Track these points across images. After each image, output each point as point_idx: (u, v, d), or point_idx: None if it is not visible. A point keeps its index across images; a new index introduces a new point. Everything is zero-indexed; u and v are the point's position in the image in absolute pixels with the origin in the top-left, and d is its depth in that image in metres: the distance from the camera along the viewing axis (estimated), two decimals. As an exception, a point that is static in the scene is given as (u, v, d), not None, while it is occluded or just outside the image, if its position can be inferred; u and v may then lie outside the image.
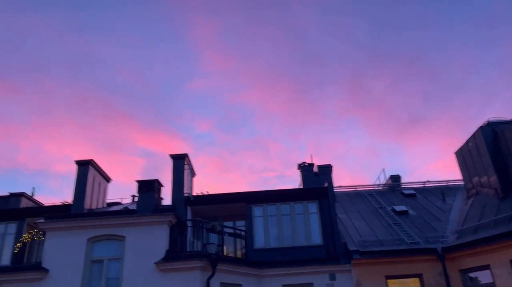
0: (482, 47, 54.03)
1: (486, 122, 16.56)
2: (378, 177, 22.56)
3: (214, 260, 12.51)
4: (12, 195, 17.56)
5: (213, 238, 14.47)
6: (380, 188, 21.02)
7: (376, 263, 13.57)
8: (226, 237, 14.88)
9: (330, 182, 15.73)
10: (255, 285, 13.47)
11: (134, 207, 14.97)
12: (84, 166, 15.43)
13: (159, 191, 15.20)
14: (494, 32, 53.27)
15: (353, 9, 51.93)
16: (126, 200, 18.89)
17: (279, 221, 14.99)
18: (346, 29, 51.30)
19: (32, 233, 14.35)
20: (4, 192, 18.01)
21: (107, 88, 49.21)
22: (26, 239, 14.37)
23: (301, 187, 17.46)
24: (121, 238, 13.18)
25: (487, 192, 15.78)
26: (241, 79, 52.52)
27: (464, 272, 13.26)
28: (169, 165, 15.08)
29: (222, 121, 53.74)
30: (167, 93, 52.82)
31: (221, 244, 14.41)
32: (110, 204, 17.86)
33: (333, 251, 14.13)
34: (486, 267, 12.75)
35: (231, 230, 15.20)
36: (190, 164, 16.03)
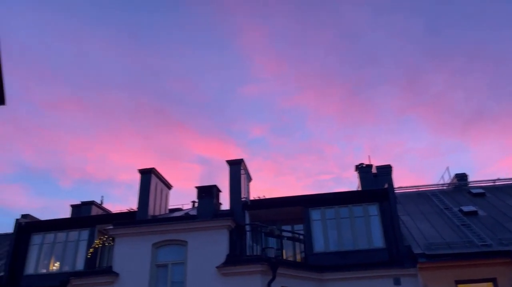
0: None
1: None
2: (442, 176, 21.39)
3: (274, 264, 12.56)
4: (84, 203, 18.78)
5: (272, 242, 14.54)
6: (445, 187, 19.93)
7: (444, 267, 12.88)
8: (284, 241, 14.89)
9: (391, 183, 15.22)
10: (316, 289, 13.32)
11: (194, 212, 15.44)
12: (147, 174, 16.17)
13: (217, 197, 15.56)
14: None
15: (407, 6, 50.02)
16: (187, 206, 19.53)
17: (338, 224, 14.72)
18: (399, 27, 49.50)
19: (102, 239, 15.24)
20: (76, 201, 19.34)
21: (163, 98, 51.37)
22: (97, 244, 15.27)
23: (359, 189, 17.04)
24: (184, 243, 13.63)
25: None
26: (293, 82, 52.47)
27: (545, 276, 12.21)
28: (225, 170, 15.41)
29: (276, 125, 53.91)
30: (221, 100, 54.04)
31: (280, 248, 14.43)
32: (172, 210, 18.55)
33: (396, 254, 13.63)
34: None
35: (289, 234, 15.17)
36: (246, 169, 16.25)
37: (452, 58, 50.06)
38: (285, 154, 54.86)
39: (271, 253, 13.67)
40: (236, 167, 15.45)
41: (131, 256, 13.61)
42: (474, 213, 15.96)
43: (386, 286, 13.05)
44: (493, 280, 12.70)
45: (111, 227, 14.26)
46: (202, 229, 13.64)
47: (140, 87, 50.74)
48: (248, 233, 14.41)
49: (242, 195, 15.18)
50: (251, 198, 16.01)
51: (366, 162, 17.48)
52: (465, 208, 16.37)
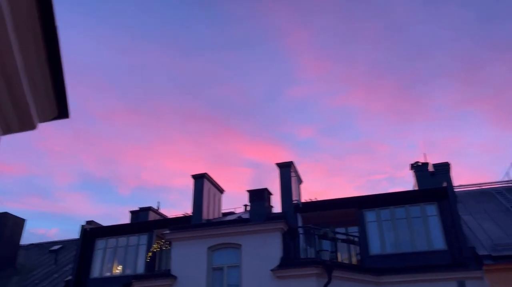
0: None
1: None
2: (507, 173, 20.08)
3: (329, 266, 12.39)
4: (142, 209, 19.61)
5: (326, 244, 14.34)
6: (510, 185, 18.66)
7: (513, 269, 12.04)
8: (339, 244, 14.63)
9: (449, 181, 14.52)
10: (374, 292, 12.96)
11: (247, 216, 15.60)
12: (200, 179, 16.60)
13: (269, 200, 15.62)
14: None
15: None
16: (239, 210, 19.76)
17: (394, 225, 14.23)
18: (452, 19, 47.12)
19: (160, 243, 15.82)
20: (134, 207, 20.23)
21: (212, 105, 52.43)
22: (156, 248, 15.88)
23: (415, 188, 16.38)
24: (238, 246, 13.81)
25: None
26: (340, 82, 51.55)
27: None
28: (275, 173, 15.45)
29: (324, 126, 53.22)
30: (268, 103, 54.26)
31: (334, 251, 14.20)
32: (225, 214, 18.86)
33: (459, 256, 12.93)
34: None
35: (343, 236, 14.89)
36: (296, 172, 16.18)
37: (512, 46, 46.83)
38: (334, 155, 53.96)
39: (326, 256, 13.50)
40: (286, 170, 15.44)
41: (188, 259, 14.00)
42: (545, 211, 14.80)
43: (450, 290, 12.42)
44: None
45: (167, 231, 14.77)
46: (255, 232, 13.75)
47: (189, 95, 52.25)
48: (301, 236, 14.33)
49: (293, 198, 15.13)
50: (303, 200, 15.91)
51: (422, 160, 16.78)
52: (535, 206, 15.22)
